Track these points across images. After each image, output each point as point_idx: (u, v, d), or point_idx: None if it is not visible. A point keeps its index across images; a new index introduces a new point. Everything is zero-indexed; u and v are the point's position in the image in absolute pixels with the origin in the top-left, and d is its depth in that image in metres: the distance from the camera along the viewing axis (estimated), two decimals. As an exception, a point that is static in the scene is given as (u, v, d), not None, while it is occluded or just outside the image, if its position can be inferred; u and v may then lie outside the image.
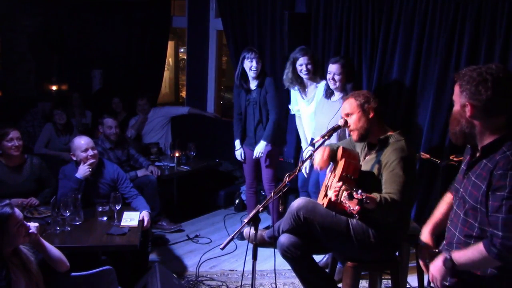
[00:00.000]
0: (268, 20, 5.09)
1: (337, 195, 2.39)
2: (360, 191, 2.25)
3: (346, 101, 2.86)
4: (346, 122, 3.15)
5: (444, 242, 2.08)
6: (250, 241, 2.65)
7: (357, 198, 2.24)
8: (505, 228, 1.75)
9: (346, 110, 2.83)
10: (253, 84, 4.24)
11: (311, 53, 4.01)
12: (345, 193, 2.30)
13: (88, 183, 3.67)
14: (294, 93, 4.23)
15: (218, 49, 6.16)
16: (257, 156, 4.26)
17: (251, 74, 4.16)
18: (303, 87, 4.11)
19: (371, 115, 2.76)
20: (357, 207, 2.25)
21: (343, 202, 2.33)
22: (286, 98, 4.60)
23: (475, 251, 1.84)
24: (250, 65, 4.12)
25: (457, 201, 2.01)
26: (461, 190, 1.97)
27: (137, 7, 6.42)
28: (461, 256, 1.88)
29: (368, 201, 2.31)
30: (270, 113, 4.21)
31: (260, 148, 4.22)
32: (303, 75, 4.00)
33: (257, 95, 4.21)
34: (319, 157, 2.95)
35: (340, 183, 2.42)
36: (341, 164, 2.70)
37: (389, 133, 2.76)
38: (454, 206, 2.05)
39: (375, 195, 2.47)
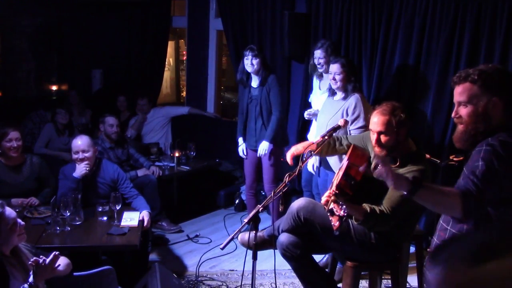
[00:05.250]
0: (268, 20, 5.09)
1: (327, 203, 2.38)
2: (344, 207, 2.21)
3: (382, 116, 2.60)
4: (346, 122, 3.12)
5: (435, 239, 2.09)
6: (249, 246, 2.63)
7: (337, 215, 2.20)
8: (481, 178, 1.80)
9: (379, 127, 2.60)
10: (255, 82, 4.25)
11: (327, 47, 3.96)
12: (331, 205, 2.26)
13: (88, 183, 3.67)
14: (316, 82, 4.23)
15: (218, 49, 6.15)
16: (261, 154, 4.25)
17: (248, 70, 4.21)
18: (320, 77, 4.12)
19: (401, 133, 2.62)
20: (337, 223, 2.22)
21: (328, 214, 2.30)
22: (288, 97, 4.57)
23: (446, 188, 1.88)
24: (246, 63, 4.19)
25: None
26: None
27: (137, 7, 6.41)
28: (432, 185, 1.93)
29: (351, 216, 2.28)
30: (273, 111, 4.22)
31: (264, 146, 4.22)
32: (319, 68, 4.03)
33: (259, 93, 4.23)
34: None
35: (334, 191, 2.38)
36: (344, 166, 2.60)
37: (412, 150, 2.65)
38: None
39: (365, 206, 2.47)
